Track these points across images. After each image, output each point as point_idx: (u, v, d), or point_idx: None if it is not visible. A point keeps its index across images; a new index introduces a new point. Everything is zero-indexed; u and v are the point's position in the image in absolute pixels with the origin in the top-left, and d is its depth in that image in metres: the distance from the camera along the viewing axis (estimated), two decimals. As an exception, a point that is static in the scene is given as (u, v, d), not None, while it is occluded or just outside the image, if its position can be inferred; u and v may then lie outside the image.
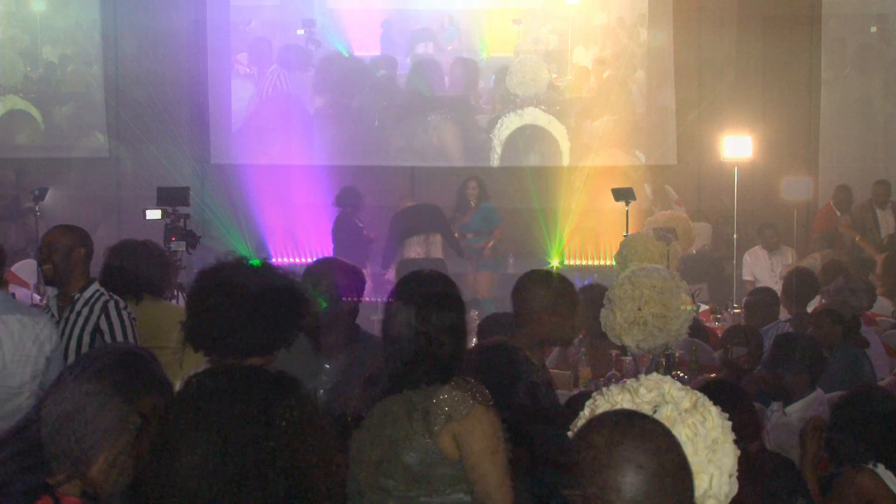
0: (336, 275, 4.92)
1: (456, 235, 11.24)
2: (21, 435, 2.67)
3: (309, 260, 12.40)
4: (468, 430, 3.30)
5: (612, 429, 1.93)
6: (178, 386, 3.09)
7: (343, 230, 11.18)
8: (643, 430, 1.94)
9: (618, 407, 2.46)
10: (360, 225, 11.24)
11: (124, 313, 5.15)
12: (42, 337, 4.67)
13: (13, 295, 5.07)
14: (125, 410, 2.66)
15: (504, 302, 10.41)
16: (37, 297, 8.14)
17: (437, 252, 10.98)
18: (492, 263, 11.50)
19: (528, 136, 13.30)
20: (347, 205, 11.22)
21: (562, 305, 4.33)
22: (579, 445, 1.94)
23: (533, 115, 13.30)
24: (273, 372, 3.10)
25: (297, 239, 12.58)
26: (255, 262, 4.21)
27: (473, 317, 7.77)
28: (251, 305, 3.49)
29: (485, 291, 11.28)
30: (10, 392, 4.57)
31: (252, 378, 3.04)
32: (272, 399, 2.94)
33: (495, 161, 13.23)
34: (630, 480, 1.87)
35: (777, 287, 8.97)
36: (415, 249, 10.92)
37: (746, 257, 11.20)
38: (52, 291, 5.40)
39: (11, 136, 13.40)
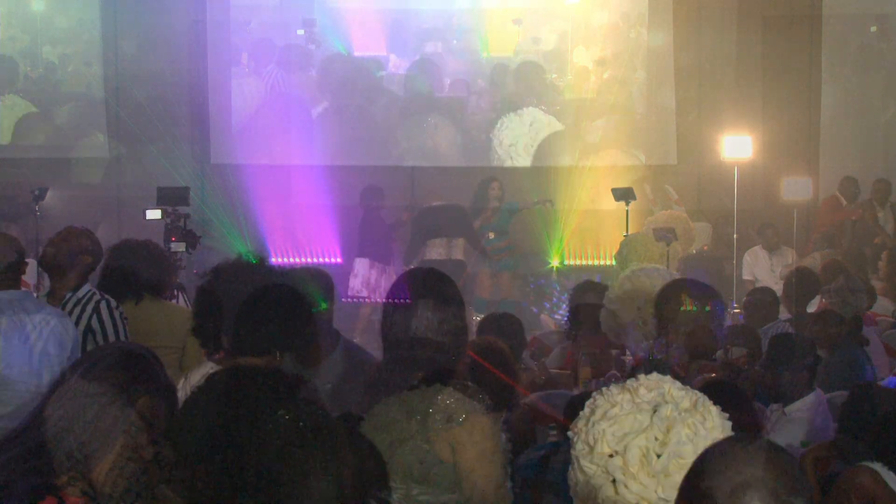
0: (311, 283, 4.92)
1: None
2: (27, 435, 2.66)
3: (309, 260, 12.43)
4: (465, 436, 3.29)
5: (752, 456, 1.96)
6: (178, 385, 3.09)
7: (369, 228, 11.36)
8: (779, 460, 1.96)
9: (618, 407, 2.46)
10: (386, 223, 11.43)
11: (116, 313, 5.14)
12: (64, 337, 4.67)
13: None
14: (126, 413, 2.65)
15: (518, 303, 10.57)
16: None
17: (458, 254, 11.15)
18: (511, 263, 11.57)
19: (528, 135, 13.30)
20: (372, 203, 11.35)
21: (706, 315, 4.08)
22: (710, 470, 1.95)
23: (533, 115, 13.30)
24: (286, 372, 3.10)
25: (297, 239, 12.58)
26: (255, 261, 4.22)
27: (474, 320, 7.79)
28: (256, 304, 3.50)
29: (505, 291, 11.35)
30: (38, 391, 4.56)
31: (265, 378, 3.04)
32: (284, 399, 2.94)
33: (495, 161, 13.23)
34: None
35: (777, 287, 8.98)
36: (437, 251, 11.09)
37: (746, 257, 11.20)
38: (43, 290, 5.40)
39: (13, 135, 13.40)
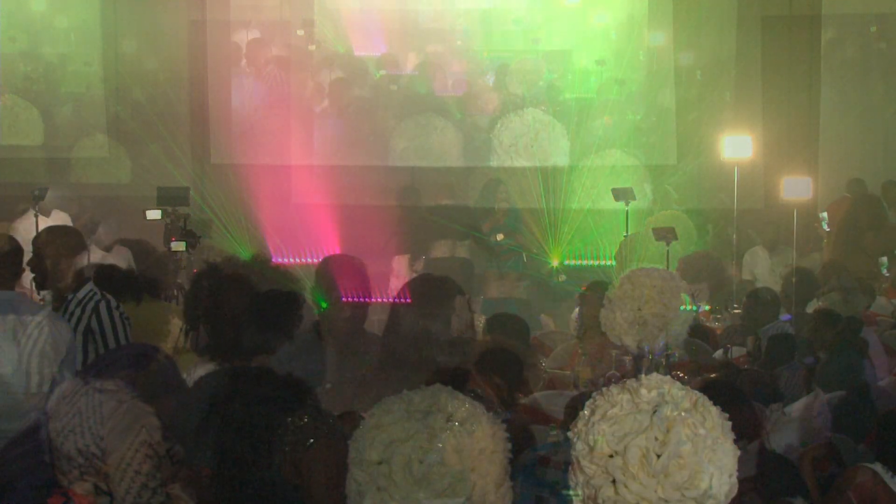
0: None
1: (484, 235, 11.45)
2: (33, 435, 2.68)
3: (309, 260, 12.42)
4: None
5: None
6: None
7: (407, 227, 11.55)
8: None
9: (618, 407, 2.46)
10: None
11: (116, 313, 5.12)
12: (58, 339, 4.65)
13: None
14: (140, 409, 2.68)
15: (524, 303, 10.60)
16: (36, 298, 8.13)
17: (463, 252, 11.21)
18: (518, 263, 11.60)
19: (528, 135, 13.30)
20: (408, 203, 11.68)
21: None
22: None
23: (533, 115, 13.31)
24: (283, 375, 3.10)
25: (297, 239, 12.58)
26: (248, 257, 4.23)
27: (480, 320, 7.80)
28: (252, 308, 3.50)
29: (512, 292, 11.36)
30: (27, 392, 4.56)
31: (262, 380, 3.04)
32: (281, 402, 2.94)
33: (495, 161, 13.23)
34: None
35: (777, 287, 8.98)
36: (441, 250, 11.15)
37: (746, 257, 11.20)
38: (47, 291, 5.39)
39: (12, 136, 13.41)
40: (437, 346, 3.51)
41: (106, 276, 5.52)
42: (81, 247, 5.30)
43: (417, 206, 11.73)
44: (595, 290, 6.62)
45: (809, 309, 8.05)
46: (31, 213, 9.82)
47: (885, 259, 9.68)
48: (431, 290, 3.64)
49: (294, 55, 13.38)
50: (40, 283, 5.22)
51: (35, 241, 5.31)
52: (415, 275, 11.22)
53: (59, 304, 5.14)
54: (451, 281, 3.71)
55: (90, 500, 2.60)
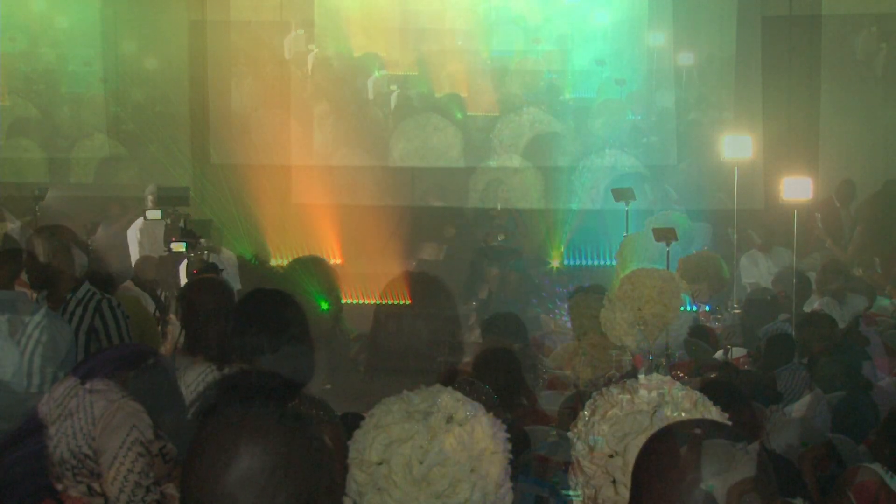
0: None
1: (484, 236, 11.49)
2: (31, 437, 2.67)
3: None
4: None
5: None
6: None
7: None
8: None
9: (617, 408, 2.46)
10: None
11: (118, 312, 5.13)
12: (57, 339, 4.65)
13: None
14: (132, 408, 2.67)
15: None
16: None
17: (442, 254, 11.25)
18: (518, 263, 11.61)
19: (528, 135, 13.32)
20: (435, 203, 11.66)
21: None
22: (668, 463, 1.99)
23: (533, 115, 13.32)
24: (278, 378, 3.09)
25: (297, 239, 12.57)
26: (251, 257, 4.23)
27: (474, 318, 7.81)
28: (245, 310, 3.48)
29: (512, 292, 11.36)
30: (29, 393, 4.55)
31: (257, 384, 3.03)
32: (272, 404, 2.93)
33: (495, 161, 13.24)
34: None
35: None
36: (427, 251, 11.15)
37: (744, 261, 11.18)
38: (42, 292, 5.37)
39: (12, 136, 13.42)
40: (422, 345, 3.50)
41: (99, 275, 5.52)
42: (77, 245, 5.29)
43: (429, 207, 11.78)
44: (580, 292, 6.65)
45: (809, 310, 8.06)
46: (142, 220, 9.82)
47: (876, 259, 9.70)
48: (415, 288, 3.62)
49: (294, 56, 13.38)
50: (34, 283, 5.21)
51: (29, 240, 5.30)
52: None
53: (57, 304, 5.12)
54: (434, 278, 3.70)
55: (83, 501, 2.60)
